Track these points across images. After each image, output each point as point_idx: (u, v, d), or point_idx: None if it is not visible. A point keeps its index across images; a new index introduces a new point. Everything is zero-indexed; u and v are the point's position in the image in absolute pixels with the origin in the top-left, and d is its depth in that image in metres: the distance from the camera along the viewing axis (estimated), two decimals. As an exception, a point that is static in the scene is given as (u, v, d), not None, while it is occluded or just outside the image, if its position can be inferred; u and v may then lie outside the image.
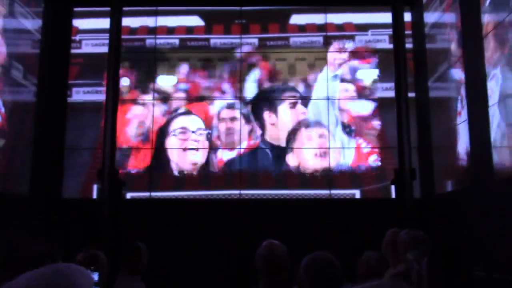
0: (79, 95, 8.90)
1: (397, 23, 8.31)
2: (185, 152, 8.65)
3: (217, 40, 9.17)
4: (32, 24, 7.96)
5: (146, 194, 8.45)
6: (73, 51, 9.00)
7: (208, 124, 8.81)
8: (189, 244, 7.73)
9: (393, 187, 8.14)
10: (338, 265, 2.41)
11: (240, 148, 8.62)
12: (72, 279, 0.98)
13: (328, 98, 8.84)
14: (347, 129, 8.72)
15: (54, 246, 3.07)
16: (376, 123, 8.71)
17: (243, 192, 8.40)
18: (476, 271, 4.91)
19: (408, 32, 8.60)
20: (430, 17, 8.23)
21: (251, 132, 8.77)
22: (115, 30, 7.67)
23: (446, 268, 2.19)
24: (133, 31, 9.15)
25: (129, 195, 8.35)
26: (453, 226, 6.54)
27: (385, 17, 8.85)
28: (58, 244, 3.15)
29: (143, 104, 8.90)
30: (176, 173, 8.58)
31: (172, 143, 8.76)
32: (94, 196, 8.41)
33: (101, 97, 8.66)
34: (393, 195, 8.14)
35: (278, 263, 2.92)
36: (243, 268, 6.80)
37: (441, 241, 2.66)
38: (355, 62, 9.02)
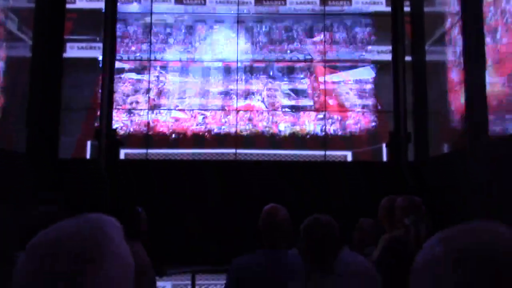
0: (74, 50, 8.77)
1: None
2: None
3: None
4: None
5: (143, 151, 8.43)
6: (67, 6, 8.82)
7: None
8: (185, 204, 7.77)
9: (384, 150, 8.24)
10: (337, 227, 2.48)
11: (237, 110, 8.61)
12: (104, 229, 0.96)
13: (325, 63, 8.81)
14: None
15: (61, 206, 3.10)
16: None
17: (239, 151, 8.44)
18: None
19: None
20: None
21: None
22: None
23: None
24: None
25: (123, 152, 8.32)
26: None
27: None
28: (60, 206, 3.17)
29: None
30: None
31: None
32: (88, 155, 8.37)
33: (96, 53, 8.56)
34: (385, 158, 8.25)
35: (280, 226, 3.00)
36: (238, 229, 6.89)
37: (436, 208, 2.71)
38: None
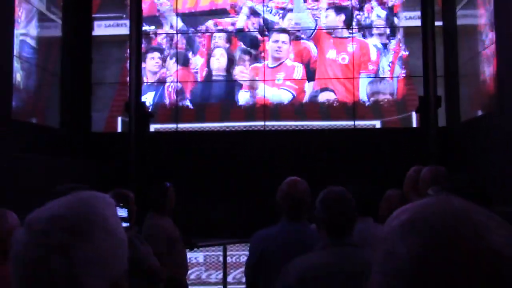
0: (101, 28, 8.83)
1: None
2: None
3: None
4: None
5: (172, 125, 8.48)
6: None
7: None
8: (214, 175, 7.81)
9: (414, 118, 8.09)
10: (351, 199, 2.45)
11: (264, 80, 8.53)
12: (96, 207, 1.01)
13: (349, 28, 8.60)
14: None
15: (82, 185, 3.13)
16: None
17: (267, 123, 8.40)
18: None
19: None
20: None
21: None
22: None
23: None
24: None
25: (153, 127, 8.38)
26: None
27: None
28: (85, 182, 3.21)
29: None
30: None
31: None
32: (119, 129, 8.48)
33: (123, 31, 8.59)
34: (415, 125, 8.11)
35: (299, 199, 3.00)
36: (264, 200, 6.87)
37: (458, 179, 2.63)
38: None
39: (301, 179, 3.10)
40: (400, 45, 8.56)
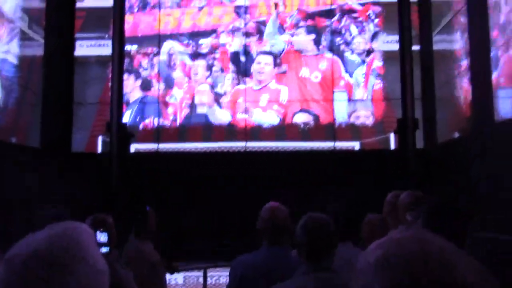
0: (83, 48, 8.78)
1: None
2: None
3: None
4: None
5: (153, 146, 8.42)
6: (76, 4, 8.81)
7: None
8: (194, 197, 7.75)
9: (392, 140, 8.18)
10: (332, 225, 2.48)
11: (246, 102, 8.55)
12: (76, 240, 1.00)
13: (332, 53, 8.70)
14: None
15: (62, 209, 3.09)
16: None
17: (248, 144, 8.39)
18: (482, 232, 4.97)
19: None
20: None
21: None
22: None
23: (440, 228, 2.26)
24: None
25: (134, 147, 8.31)
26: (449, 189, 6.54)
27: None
28: (65, 207, 3.17)
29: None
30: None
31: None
32: (99, 150, 8.40)
33: (104, 50, 8.56)
34: (392, 148, 8.20)
35: (280, 225, 2.99)
36: (246, 223, 6.82)
37: (436, 203, 2.69)
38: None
39: (281, 205, 3.09)
40: (375, 58, 8.67)
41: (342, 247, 2.80)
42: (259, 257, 2.96)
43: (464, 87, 6.86)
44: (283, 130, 8.58)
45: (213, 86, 8.70)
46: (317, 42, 8.79)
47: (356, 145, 8.51)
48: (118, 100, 7.46)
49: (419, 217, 3.10)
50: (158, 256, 4.27)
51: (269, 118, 8.59)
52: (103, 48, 8.69)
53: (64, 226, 1.03)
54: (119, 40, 7.64)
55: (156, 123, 8.55)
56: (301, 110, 8.60)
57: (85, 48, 8.84)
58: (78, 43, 8.81)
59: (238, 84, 8.71)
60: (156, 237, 4.33)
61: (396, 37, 8.35)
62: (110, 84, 7.97)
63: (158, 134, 8.52)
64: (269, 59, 8.78)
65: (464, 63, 6.85)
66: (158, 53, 8.74)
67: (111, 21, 8.10)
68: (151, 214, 4.26)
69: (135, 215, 4.20)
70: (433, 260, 0.76)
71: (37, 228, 1.02)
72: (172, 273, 5.27)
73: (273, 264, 2.88)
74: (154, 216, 4.30)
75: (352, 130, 8.53)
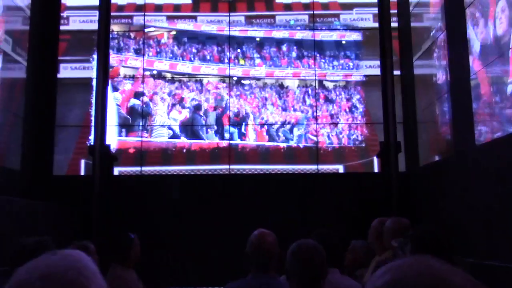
0: (67, 71, 8.67)
1: (383, 2, 8.20)
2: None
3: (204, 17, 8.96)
4: (22, 1, 7.68)
5: (137, 169, 8.27)
6: (61, 27, 8.72)
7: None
8: (177, 220, 7.59)
9: (376, 162, 8.14)
10: (322, 252, 2.44)
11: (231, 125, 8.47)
12: (82, 262, 0.98)
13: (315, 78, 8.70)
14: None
15: (46, 237, 2.97)
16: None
17: (232, 167, 8.28)
18: (465, 257, 4.92)
19: (393, 11, 8.52)
20: (414, -4, 8.20)
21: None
22: (105, 5, 7.40)
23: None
24: (120, 8, 8.89)
25: (117, 171, 8.15)
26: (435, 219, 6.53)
27: (370, -4, 8.79)
28: (47, 234, 3.05)
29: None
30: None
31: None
32: (81, 172, 8.21)
33: (88, 73, 8.46)
34: (376, 171, 8.13)
35: (268, 252, 2.92)
36: (232, 247, 6.69)
37: (422, 230, 2.69)
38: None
39: (269, 231, 3.01)
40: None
41: (330, 274, 2.71)
42: (248, 284, 2.88)
43: (444, 111, 6.88)
44: (268, 153, 8.51)
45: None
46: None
47: (340, 168, 8.47)
48: (101, 123, 7.30)
49: (405, 244, 3.09)
50: (141, 284, 4.10)
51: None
52: (88, 71, 8.59)
53: (70, 254, 0.99)
54: (103, 63, 7.52)
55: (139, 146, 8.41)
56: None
57: (69, 70, 8.73)
58: (62, 66, 8.69)
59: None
60: (139, 264, 4.17)
61: (377, 62, 8.40)
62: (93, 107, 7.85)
63: (141, 157, 8.37)
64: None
65: (444, 87, 6.89)
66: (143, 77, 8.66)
67: (96, 44, 8.01)
68: (135, 242, 4.10)
69: (119, 242, 4.04)
70: (443, 285, 0.76)
71: (20, 255, 0.96)
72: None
73: None
74: (139, 243, 4.15)
75: (336, 153, 8.50)
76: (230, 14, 8.98)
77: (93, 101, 7.78)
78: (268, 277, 2.85)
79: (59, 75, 8.65)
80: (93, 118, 7.79)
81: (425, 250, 2.39)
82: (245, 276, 2.93)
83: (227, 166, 8.38)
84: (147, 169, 8.36)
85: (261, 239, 2.93)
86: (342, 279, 3.05)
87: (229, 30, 8.90)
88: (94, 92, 7.85)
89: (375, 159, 8.20)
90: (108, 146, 7.43)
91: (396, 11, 8.79)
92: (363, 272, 3.92)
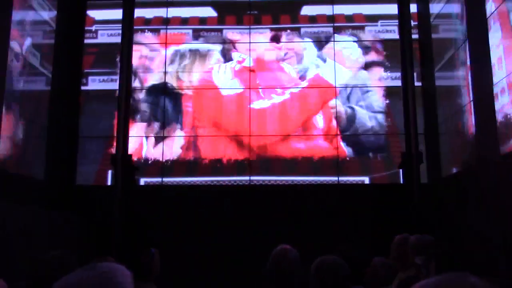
0: (95, 83, 8.66)
1: (403, 14, 8.06)
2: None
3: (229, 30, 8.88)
4: (48, 14, 7.71)
5: (159, 179, 8.16)
6: (89, 41, 8.82)
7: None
8: (200, 231, 7.43)
9: (401, 174, 7.88)
10: (346, 268, 2.37)
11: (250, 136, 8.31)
12: (116, 279, 0.98)
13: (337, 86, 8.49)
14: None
15: (66, 251, 2.88)
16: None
17: (253, 178, 8.10)
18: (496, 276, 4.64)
19: (414, 23, 8.32)
20: (435, 8, 7.95)
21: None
22: (128, 20, 7.42)
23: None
24: (147, 21, 8.87)
25: (142, 181, 8.05)
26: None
27: (395, 8, 8.64)
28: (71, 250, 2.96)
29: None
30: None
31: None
32: (109, 182, 8.13)
33: (116, 85, 8.41)
34: (402, 181, 7.87)
35: (289, 269, 2.78)
36: (253, 258, 6.50)
37: (446, 247, 2.53)
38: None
39: (290, 247, 2.86)
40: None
41: None
42: None
43: (467, 122, 6.60)
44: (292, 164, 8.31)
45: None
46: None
47: (366, 179, 8.20)
48: (124, 133, 7.24)
49: (429, 261, 3.00)
50: None
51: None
52: (115, 83, 8.55)
53: (102, 267, 1.00)
54: (126, 75, 7.49)
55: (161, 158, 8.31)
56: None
57: (97, 83, 8.72)
58: (90, 78, 8.70)
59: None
60: (159, 279, 4.09)
61: (399, 74, 8.21)
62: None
63: (164, 167, 8.26)
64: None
65: (466, 97, 6.62)
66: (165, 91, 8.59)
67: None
68: (156, 257, 4.03)
69: (140, 257, 3.95)
70: None
71: (43, 270, 1.07)
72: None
73: None
74: (159, 258, 4.07)
75: (361, 164, 8.24)
76: (255, 26, 8.88)
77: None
78: None
79: (87, 87, 8.66)
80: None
81: (449, 268, 2.20)
82: None
83: (247, 178, 8.21)
84: (170, 179, 8.24)
85: (282, 256, 2.81)
86: None
87: (250, 42, 8.78)
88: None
89: (400, 171, 7.92)
90: (130, 156, 7.36)
91: (417, 23, 8.58)
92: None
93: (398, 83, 8.33)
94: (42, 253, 2.87)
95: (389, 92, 8.47)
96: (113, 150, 7.84)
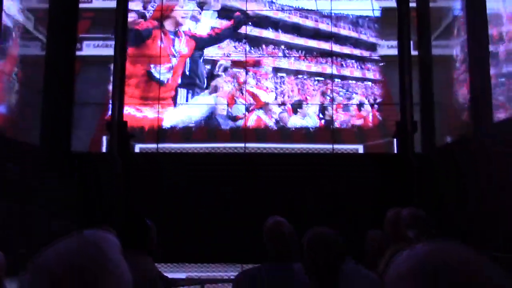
0: (90, 48, 8.38)
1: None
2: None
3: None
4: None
5: (154, 146, 8.01)
6: (84, 5, 8.49)
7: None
8: (194, 198, 7.31)
9: (395, 144, 7.79)
10: (337, 241, 2.34)
11: (250, 104, 8.13)
12: (101, 247, 0.94)
13: (332, 54, 8.30)
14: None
15: (70, 222, 2.77)
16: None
17: (248, 145, 7.97)
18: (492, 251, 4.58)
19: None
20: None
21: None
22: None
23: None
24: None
25: (138, 147, 7.89)
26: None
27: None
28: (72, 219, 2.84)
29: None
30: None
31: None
32: (103, 149, 7.97)
33: (111, 51, 8.14)
34: (396, 151, 7.76)
35: (284, 241, 2.82)
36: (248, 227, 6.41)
37: (437, 221, 2.49)
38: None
39: (283, 219, 2.88)
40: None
41: (344, 263, 2.54)
42: (264, 272, 2.75)
43: (462, 91, 6.47)
44: (285, 131, 8.17)
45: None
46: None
47: (360, 148, 8.09)
48: (119, 100, 7.05)
49: (421, 234, 3.02)
50: (156, 270, 3.93)
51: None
52: (110, 49, 8.28)
53: (93, 236, 0.97)
54: (121, 40, 7.23)
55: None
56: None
57: (92, 48, 8.46)
58: (85, 43, 8.43)
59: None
60: (155, 250, 4.00)
61: (395, 43, 8.02)
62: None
63: (159, 134, 8.09)
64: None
65: (462, 66, 6.47)
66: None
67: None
68: (152, 229, 3.92)
69: (135, 229, 3.83)
70: (469, 270, 0.74)
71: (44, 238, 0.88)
72: (170, 288, 4.89)
73: (277, 279, 2.69)
74: (155, 230, 3.97)
75: (356, 133, 8.11)
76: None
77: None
78: (283, 265, 2.74)
79: (82, 53, 8.40)
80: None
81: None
82: (260, 263, 2.81)
83: (242, 145, 8.07)
84: (166, 146, 8.08)
85: (276, 229, 2.81)
86: (355, 268, 2.87)
87: (246, 10, 8.51)
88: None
89: (395, 140, 7.81)
90: (125, 122, 7.18)
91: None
92: (378, 261, 3.69)
93: (394, 52, 8.14)
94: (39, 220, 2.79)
95: (384, 61, 8.30)
96: (109, 117, 7.64)
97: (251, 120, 8.09)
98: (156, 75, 8.22)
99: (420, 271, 0.76)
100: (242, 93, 8.24)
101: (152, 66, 8.26)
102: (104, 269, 0.91)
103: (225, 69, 8.24)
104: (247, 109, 8.16)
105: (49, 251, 0.92)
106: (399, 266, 0.80)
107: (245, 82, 8.26)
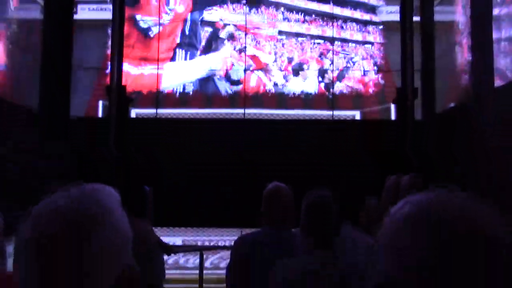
0: (84, 11, 8.20)
1: None
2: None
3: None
4: None
5: (151, 111, 7.92)
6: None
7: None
8: (192, 164, 7.25)
9: (393, 110, 7.71)
10: (334, 205, 2.35)
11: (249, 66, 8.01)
12: (100, 200, 0.91)
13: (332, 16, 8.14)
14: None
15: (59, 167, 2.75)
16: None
17: (247, 111, 7.89)
18: None
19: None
20: None
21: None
22: None
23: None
24: None
25: (134, 112, 7.82)
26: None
27: None
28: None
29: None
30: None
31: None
32: (100, 114, 7.89)
33: (106, 15, 7.96)
34: (393, 118, 7.69)
35: (283, 206, 2.84)
36: (247, 191, 6.37)
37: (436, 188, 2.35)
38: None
39: (284, 185, 2.89)
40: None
41: (342, 228, 2.60)
42: (262, 237, 2.79)
43: (464, 57, 6.37)
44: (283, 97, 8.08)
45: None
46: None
47: (357, 114, 8.04)
48: (118, 64, 6.91)
49: None
50: (156, 236, 3.97)
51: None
52: (106, 12, 8.10)
53: (90, 187, 0.94)
54: (120, 3, 7.04)
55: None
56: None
57: (87, 11, 8.27)
58: (80, 7, 8.23)
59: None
60: (152, 216, 4.01)
61: (397, 8, 7.86)
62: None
63: (158, 99, 7.99)
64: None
65: (465, 32, 6.35)
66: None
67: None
68: (149, 195, 3.95)
69: (133, 196, 3.85)
70: (466, 216, 0.72)
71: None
72: (168, 254, 4.93)
73: (275, 244, 2.71)
74: (152, 196, 4.00)
75: (353, 99, 8.04)
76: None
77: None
78: (282, 231, 2.75)
79: (78, 17, 8.20)
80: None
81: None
82: (258, 228, 2.83)
83: (241, 110, 7.99)
84: (164, 111, 7.98)
85: (276, 193, 2.81)
86: (352, 232, 2.90)
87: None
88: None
89: (393, 106, 7.75)
90: (124, 87, 7.06)
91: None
92: (375, 228, 3.66)
93: (394, 17, 7.99)
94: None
95: (385, 26, 8.16)
96: (107, 81, 7.51)
97: (252, 81, 7.97)
98: (142, 24, 8.02)
99: (421, 218, 0.74)
100: (241, 55, 8.09)
101: (139, 16, 8.06)
102: (99, 221, 0.89)
103: (231, 36, 8.07)
104: (245, 71, 8.01)
105: (46, 200, 0.91)
106: (394, 215, 0.78)
107: (245, 46, 8.11)
